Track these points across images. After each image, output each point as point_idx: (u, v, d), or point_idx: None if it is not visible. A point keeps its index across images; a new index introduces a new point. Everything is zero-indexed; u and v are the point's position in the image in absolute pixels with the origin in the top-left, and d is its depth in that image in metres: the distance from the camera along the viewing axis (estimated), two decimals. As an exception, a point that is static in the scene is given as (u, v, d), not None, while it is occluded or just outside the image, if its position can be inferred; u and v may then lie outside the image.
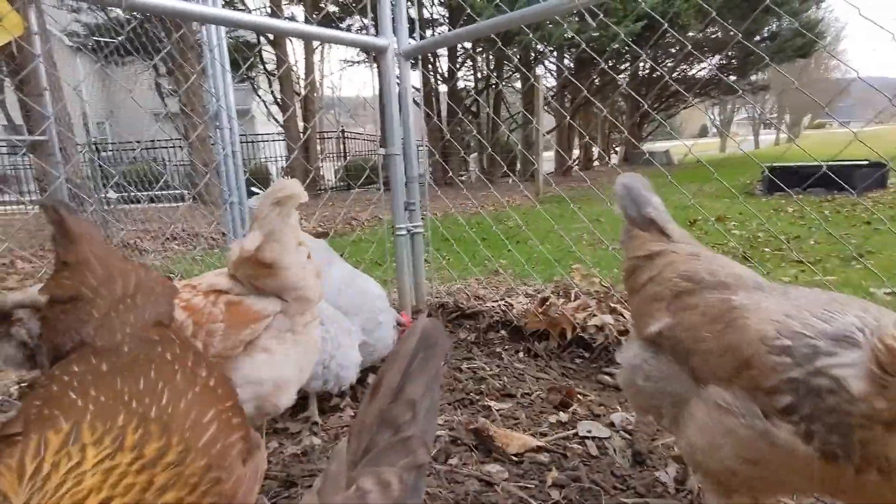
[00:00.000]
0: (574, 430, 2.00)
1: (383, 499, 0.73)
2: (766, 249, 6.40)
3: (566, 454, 1.85)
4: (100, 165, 10.20)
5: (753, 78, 27.25)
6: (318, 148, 21.21)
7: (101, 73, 14.39)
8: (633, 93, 16.26)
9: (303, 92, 20.01)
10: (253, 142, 20.39)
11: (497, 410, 2.17)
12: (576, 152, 25.15)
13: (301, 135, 18.11)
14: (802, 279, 4.86)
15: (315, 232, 9.20)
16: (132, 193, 9.07)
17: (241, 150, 4.14)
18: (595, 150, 23.99)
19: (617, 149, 27.33)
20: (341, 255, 6.55)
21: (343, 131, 22.80)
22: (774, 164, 11.04)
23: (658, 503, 1.60)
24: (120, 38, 9.06)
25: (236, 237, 3.99)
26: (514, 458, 1.82)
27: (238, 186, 4.08)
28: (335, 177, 21.88)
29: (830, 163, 8.20)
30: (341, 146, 23.48)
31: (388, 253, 4.02)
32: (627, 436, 1.98)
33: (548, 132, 20.87)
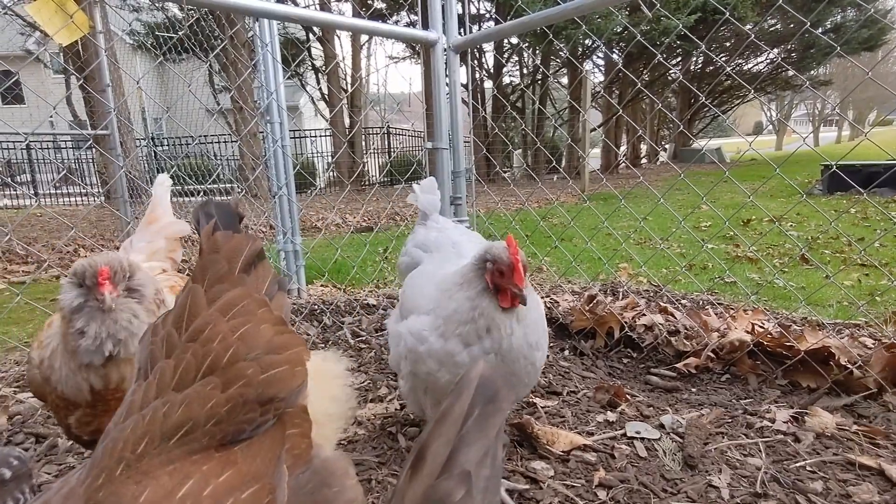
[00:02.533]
0: (622, 431, 1.95)
1: None
2: (826, 251, 6.09)
3: (614, 454, 1.81)
4: (157, 158, 10.62)
5: (814, 73, 25.97)
6: (364, 143, 21.49)
7: (158, 70, 15.00)
8: (689, 84, 15.78)
9: (349, 88, 20.30)
10: (301, 137, 20.84)
11: (542, 408, 2.14)
12: (623, 149, 24.60)
13: (347, 131, 18.38)
14: (866, 283, 4.60)
15: (359, 227, 9.32)
16: (186, 187, 9.42)
17: (290, 145, 4.23)
18: (643, 147, 23.40)
19: (666, 146, 26.55)
20: (385, 251, 6.61)
21: (388, 127, 23.01)
22: (837, 162, 10.51)
23: (711, 509, 1.54)
24: (177, 35, 9.41)
25: (284, 228, 4.07)
26: (561, 456, 1.79)
27: (287, 180, 4.17)
28: (380, 172, 22.13)
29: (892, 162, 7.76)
30: (386, 142, 23.72)
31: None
32: (679, 438, 1.92)
33: (595, 128, 20.49)
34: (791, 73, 22.66)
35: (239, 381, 0.84)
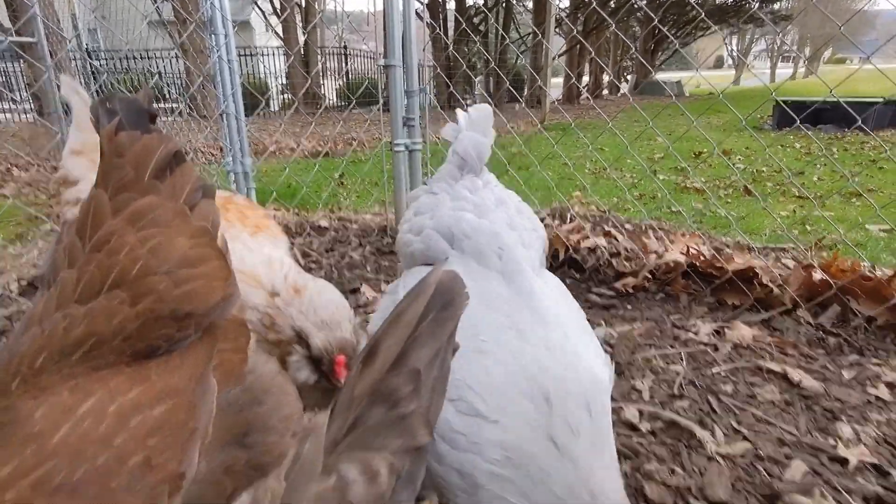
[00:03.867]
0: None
1: (368, 492, 0.61)
2: (769, 184, 6.35)
3: (549, 363, 1.93)
4: (93, 72, 9.88)
5: (776, 6, 25.91)
6: (320, 64, 20.49)
7: (90, -26, 13.65)
8: (651, 13, 15.53)
9: (303, 2, 19.08)
10: (251, 55, 19.66)
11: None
12: (585, 79, 24.32)
13: (302, 49, 17.44)
14: (800, 214, 4.86)
15: (314, 151, 9.07)
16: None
17: (237, 60, 4.00)
18: (605, 78, 23.19)
19: (627, 77, 26.42)
20: (340, 176, 6.49)
21: (345, 47, 21.94)
22: (786, 98, 10.74)
23: (630, 407, 1.69)
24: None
25: (233, 150, 3.94)
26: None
27: (235, 97, 3.98)
28: (336, 95, 21.29)
29: (844, 99, 8.04)
30: (343, 63, 22.68)
31: (388, 175, 3.99)
32: (609, 348, 2.06)
33: (557, 55, 20.07)
34: (756, 4, 22.52)
35: (149, 295, 0.79)
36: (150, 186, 0.85)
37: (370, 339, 0.67)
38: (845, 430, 1.61)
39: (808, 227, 4.41)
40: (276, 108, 18.54)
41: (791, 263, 2.66)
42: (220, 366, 0.86)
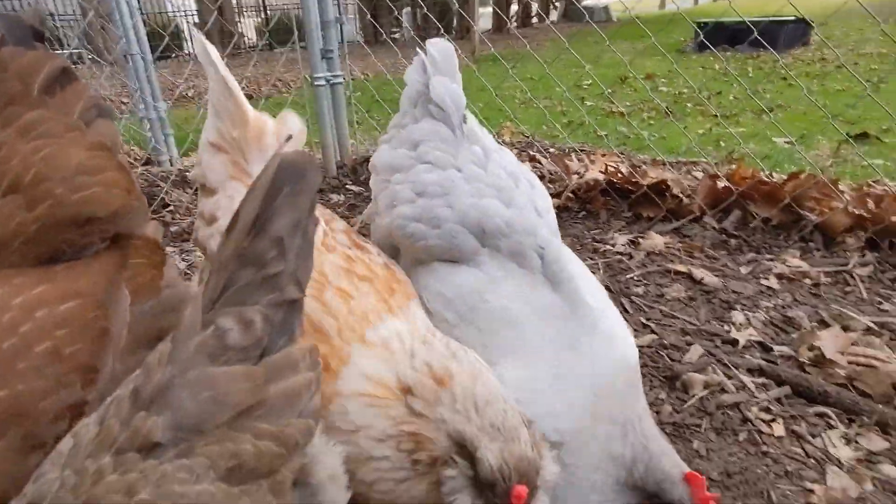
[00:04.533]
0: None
1: (245, 338, 0.68)
2: (689, 105, 6.58)
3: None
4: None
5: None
6: (234, 1, 19.06)
7: None
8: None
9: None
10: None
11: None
12: (514, 8, 23.84)
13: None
14: (716, 131, 5.10)
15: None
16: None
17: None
18: (534, 6, 22.80)
19: (556, 4, 26.07)
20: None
21: (260, -20, 20.44)
22: (705, 21, 10.96)
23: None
24: None
25: (143, 95, 3.70)
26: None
27: (138, 36, 3.69)
28: (256, 35, 20.00)
29: (757, 20, 8.26)
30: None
31: (311, 119, 3.87)
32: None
33: (484, -16, 19.46)
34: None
35: (46, 200, 0.82)
36: (39, 101, 0.85)
37: (235, 210, 0.73)
38: (738, 317, 1.81)
39: (722, 144, 4.66)
40: (190, 50, 17.27)
41: (700, 175, 2.84)
42: (133, 278, 0.89)
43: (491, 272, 1.13)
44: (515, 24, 18.53)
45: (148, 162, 3.75)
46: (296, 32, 3.45)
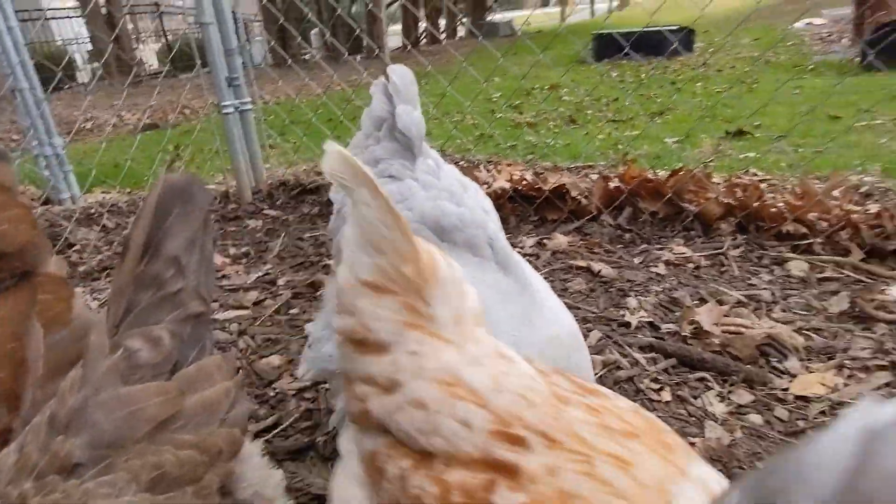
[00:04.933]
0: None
1: (154, 355, 0.72)
2: (590, 112, 7.03)
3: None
4: None
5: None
6: (131, 27, 18.26)
7: None
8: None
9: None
10: (41, 19, 16.92)
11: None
12: (422, 25, 24.35)
13: (105, 11, 15.39)
14: (615, 135, 5.50)
15: (142, 125, 8.27)
16: None
17: (18, 26, 3.51)
18: (442, 23, 23.41)
19: (463, 20, 26.87)
20: (176, 148, 6.04)
21: (157, 5, 19.70)
22: (602, 32, 11.71)
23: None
24: None
25: (37, 131, 3.53)
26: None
27: (26, 71, 3.52)
28: (158, 61, 19.23)
29: (645, 30, 8.86)
30: (160, 24, 20.39)
31: (221, 146, 3.83)
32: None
33: (390, 3, 19.78)
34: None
35: None
36: None
37: (124, 237, 0.76)
38: (632, 302, 2.01)
39: (620, 146, 5.03)
40: (86, 80, 16.34)
41: (595, 177, 3.09)
42: (43, 312, 0.92)
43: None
44: (425, 40, 18.94)
45: (47, 201, 3.58)
46: (198, 61, 3.42)
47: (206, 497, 0.75)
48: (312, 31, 18.78)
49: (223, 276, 2.43)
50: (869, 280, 2.04)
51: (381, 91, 1.39)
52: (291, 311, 2.02)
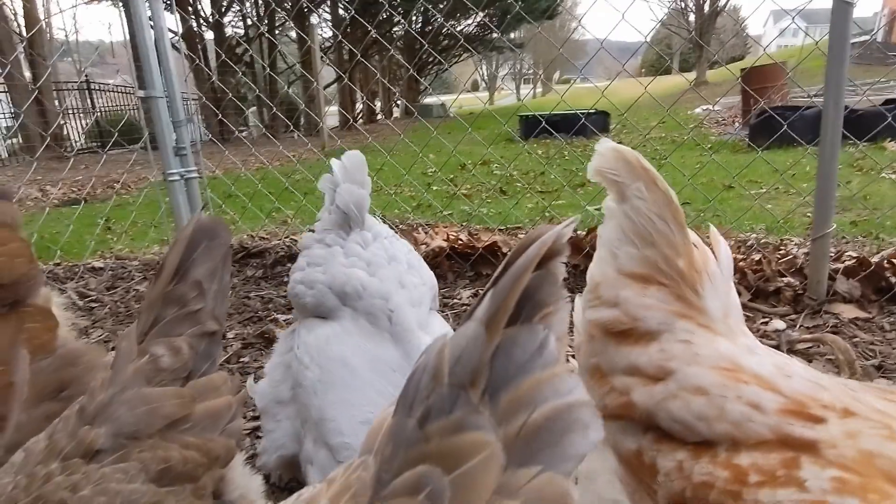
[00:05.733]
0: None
1: (174, 362, 0.83)
2: (518, 184, 7.56)
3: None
4: None
5: (513, 36, 30.24)
6: (57, 103, 17.94)
7: None
8: (396, 54, 16.95)
9: (25, 33, 16.56)
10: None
11: (283, 320, 2.46)
12: (359, 106, 25.40)
13: (31, 85, 15.14)
14: (541, 205, 5.95)
15: (67, 199, 8.08)
16: None
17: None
18: (378, 104, 24.50)
19: (398, 102, 28.25)
20: (106, 220, 5.93)
21: (88, 82, 19.57)
22: (527, 114, 12.70)
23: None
24: None
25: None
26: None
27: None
28: (83, 137, 18.85)
29: (566, 112, 9.74)
30: (88, 101, 20.16)
31: (166, 214, 3.89)
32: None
33: (328, 85, 20.64)
34: (495, 35, 26.08)
35: None
36: None
37: (161, 260, 0.89)
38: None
39: (547, 214, 5.45)
40: (6, 155, 15.75)
41: (523, 236, 3.40)
42: (30, 340, 1.02)
43: (346, 326, 1.35)
44: (362, 120, 19.72)
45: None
46: (146, 133, 3.54)
47: (201, 497, 0.85)
48: (250, 110, 19.19)
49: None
50: (754, 315, 2.38)
51: (336, 169, 1.54)
52: (242, 360, 2.10)
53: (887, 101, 7.32)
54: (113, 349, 1.17)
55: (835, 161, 2.29)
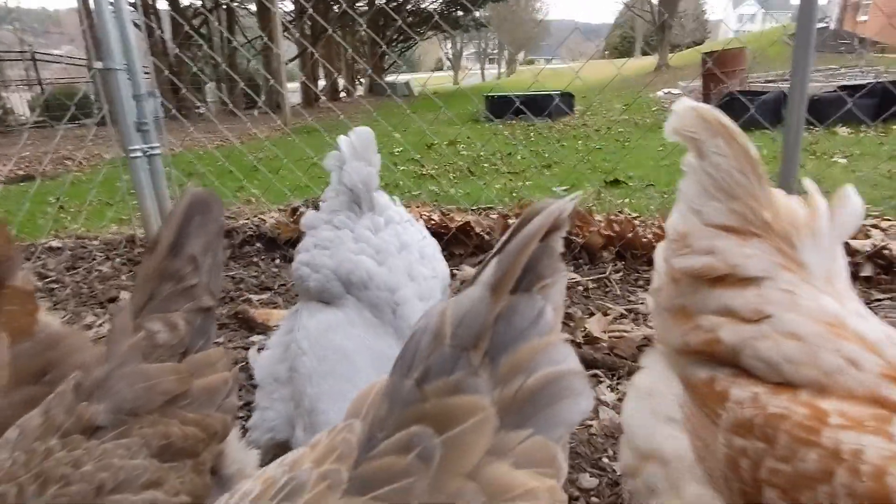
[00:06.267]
0: (325, 303, 2.40)
1: (171, 337, 0.83)
2: (486, 165, 7.58)
3: (319, 320, 2.24)
4: None
5: (477, 14, 30.01)
6: (-2, 73, 16.95)
7: None
8: (364, 28, 16.59)
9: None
10: None
11: (257, 300, 2.44)
12: (322, 82, 24.84)
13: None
14: (509, 185, 6.00)
15: (14, 176, 7.67)
16: None
17: None
18: (341, 82, 24.01)
19: (362, 80, 27.75)
20: (57, 200, 5.68)
21: (33, 53, 18.50)
22: (493, 94, 12.68)
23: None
24: None
25: None
26: (275, 329, 2.13)
27: None
28: (30, 110, 17.88)
29: (532, 93, 9.84)
30: (33, 72, 19.08)
31: (126, 190, 3.74)
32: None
33: (289, 60, 20.09)
34: (459, 13, 25.80)
35: None
36: None
37: (154, 234, 0.87)
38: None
39: (514, 194, 5.51)
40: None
41: (495, 216, 3.42)
42: (8, 323, 0.98)
43: (349, 315, 1.30)
44: (325, 97, 19.30)
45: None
46: (105, 106, 3.39)
47: (201, 473, 0.84)
48: (207, 85, 18.50)
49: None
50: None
51: (343, 146, 1.45)
52: (217, 342, 2.07)
53: (841, 88, 7.61)
54: (82, 331, 1.14)
55: (797, 145, 2.38)
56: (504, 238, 0.53)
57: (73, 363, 1.01)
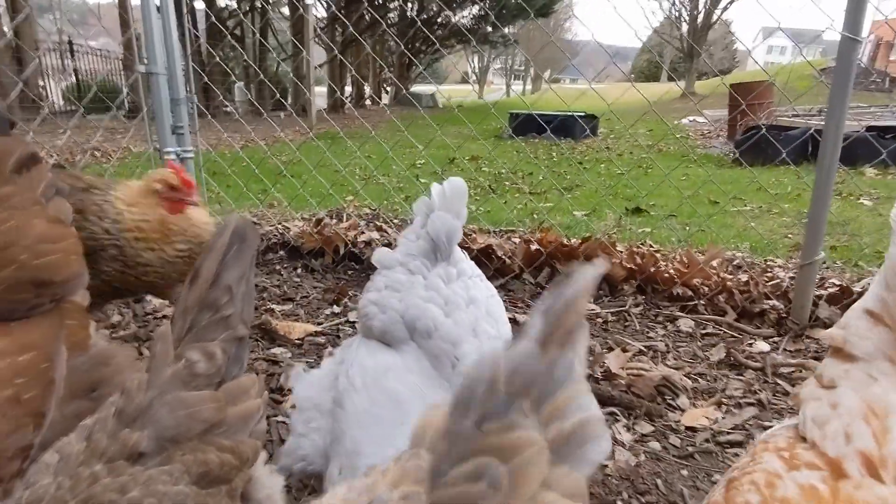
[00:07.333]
0: (346, 318, 2.42)
1: (209, 367, 0.85)
2: (507, 183, 7.60)
3: (339, 335, 2.27)
4: None
5: (507, 31, 30.21)
6: (41, 61, 17.34)
7: None
8: (393, 37, 16.78)
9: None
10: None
11: (279, 311, 2.47)
12: (348, 89, 25.14)
13: (14, 44, 14.59)
14: (530, 206, 6.01)
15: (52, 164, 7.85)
16: None
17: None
18: (367, 89, 24.28)
19: (388, 88, 28.03)
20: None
21: (70, 43, 18.96)
22: (518, 112, 12.74)
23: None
24: None
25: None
26: (297, 343, 2.16)
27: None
28: (62, 99, 18.31)
29: (556, 114, 9.87)
30: (69, 62, 19.55)
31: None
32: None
33: (319, 66, 20.36)
34: (489, 29, 25.99)
35: (12, 264, 0.95)
36: (10, 179, 0.98)
37: (196, 265, 0.89)
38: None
39: (535, 216, 5.52)
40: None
41: (518, 240, 3.43)
42: (68, 336, 1.02)
43: (407, 361, 1.30)
44: (351, 103, 19.51)
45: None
46: (144, 108, 3.48)
47: (234, 498, 0.87)
48: (236, 85, 18.83)
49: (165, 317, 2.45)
50: (740, 336, 2.46)
51: (434, 192, 1.47)
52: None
53: (869, 129, 7.54)
54: (129, 349, 1.18)
55: (829, 186, 2.35)
56: (549, 295, 0.62)
57: (120, 380, 1.04)
